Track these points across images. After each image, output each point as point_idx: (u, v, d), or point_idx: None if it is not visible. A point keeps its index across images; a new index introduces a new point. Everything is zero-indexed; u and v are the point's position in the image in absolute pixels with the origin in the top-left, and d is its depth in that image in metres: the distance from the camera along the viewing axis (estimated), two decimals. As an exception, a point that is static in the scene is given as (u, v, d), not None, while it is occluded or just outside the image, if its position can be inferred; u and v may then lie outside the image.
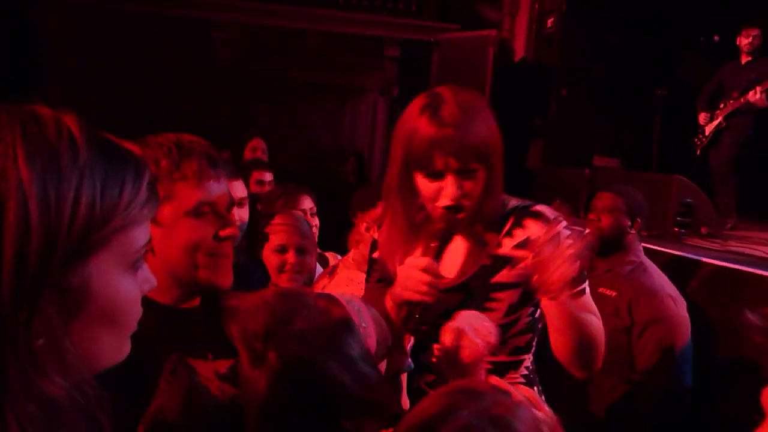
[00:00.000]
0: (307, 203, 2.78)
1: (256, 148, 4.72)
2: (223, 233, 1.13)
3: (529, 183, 5.81)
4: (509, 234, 1.39)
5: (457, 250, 1.42)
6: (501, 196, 1.40)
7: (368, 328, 1.17)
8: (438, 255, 1.33)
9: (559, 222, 1.24)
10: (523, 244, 1.33)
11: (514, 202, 1.43)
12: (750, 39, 4.65)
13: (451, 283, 1.39)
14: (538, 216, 1.39)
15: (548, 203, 4.90)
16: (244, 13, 6.68)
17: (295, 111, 7.09)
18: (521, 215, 1.40)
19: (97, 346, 0.66)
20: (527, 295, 1.37)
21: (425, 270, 1.29)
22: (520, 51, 6.95)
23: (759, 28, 4.67)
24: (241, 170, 3.88)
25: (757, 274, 2.72)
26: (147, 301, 1.04)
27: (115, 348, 0.69)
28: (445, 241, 1.35)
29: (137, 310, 0.72)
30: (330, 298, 1.02)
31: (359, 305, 1.22)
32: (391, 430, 0.90)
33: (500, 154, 1.36)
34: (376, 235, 1.62)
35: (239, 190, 2.53)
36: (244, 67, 6.86)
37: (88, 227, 0.60)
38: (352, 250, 1.91)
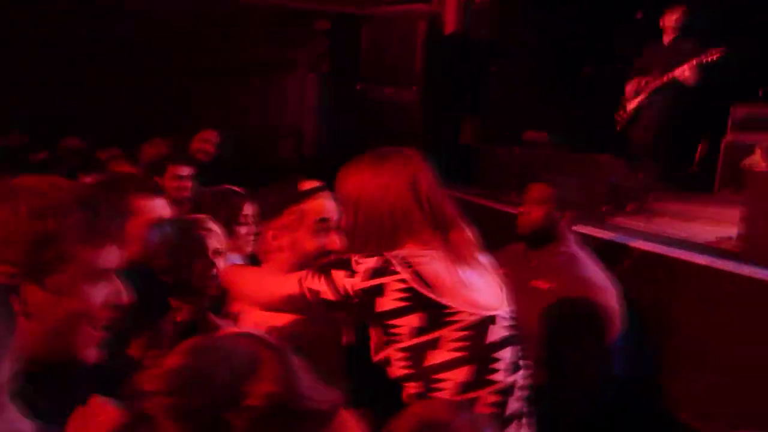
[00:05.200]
0: (250, 209, 2.64)
1: (207, 140, 4.38)
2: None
3: (464, 160, 5.81)
4: None
5: None
6: None
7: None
8: None
9: None
10: None
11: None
12: (672, 20, 4.76)
13: None
14: None
15: (483, 180, 4.84)
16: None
17: (220, 87, 6.75)
18: None
19: None
20: None
21: None
22: (450, 24, 6.85)
23: (680, 9, 4.77)
24: (155, 164, 3.64)
25: (682, 260, 2.79)
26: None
27: None
28: None
29: None
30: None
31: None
32: None
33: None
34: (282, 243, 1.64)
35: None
36: (162, 43, 6.44)
37: None
38: (264, 264, 1.78)
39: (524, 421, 1.49)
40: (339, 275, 1.41)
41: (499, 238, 2.94)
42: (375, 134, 6.18)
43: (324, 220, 1.68)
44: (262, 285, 1.58)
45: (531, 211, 2.63)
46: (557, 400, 2.31)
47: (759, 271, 2.48)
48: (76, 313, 0.95)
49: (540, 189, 2.65)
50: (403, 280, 1.36)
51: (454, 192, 5.51)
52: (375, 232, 1.47)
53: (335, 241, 1.70)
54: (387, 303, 1.37)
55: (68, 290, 0.93)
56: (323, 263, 1.49)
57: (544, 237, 2.62)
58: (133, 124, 5.32)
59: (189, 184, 3.61)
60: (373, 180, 1.49)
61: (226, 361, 0.79)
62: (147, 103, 6.04)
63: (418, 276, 1.37)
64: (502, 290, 1.52)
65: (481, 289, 1.44)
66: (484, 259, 1.55)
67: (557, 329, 2.44)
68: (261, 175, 2.69)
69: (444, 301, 1.37)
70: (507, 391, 1.43)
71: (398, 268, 1.37)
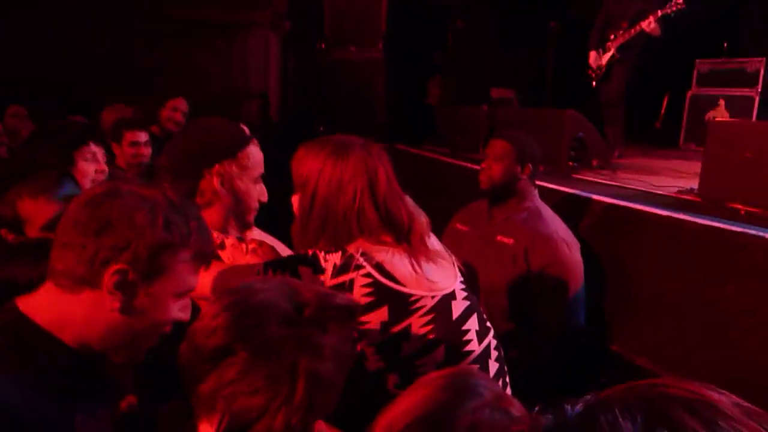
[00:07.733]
0: None
1: (177, 108, 4.21)
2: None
3: (430, 120, 5.75)
4: None
5: None
6: None
7: None
8: None
9: None
10: None
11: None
12: None
13: None
14: None
15: (451, 139, 4.77)
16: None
17: (180, 51, 6.52)
18: None
19: None
20: None
21: None
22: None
23: None
24: (113, 130, 3.51)
25: (644, 211, 2.81)
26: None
27: None
28: None
29: None
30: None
31: None
32: None
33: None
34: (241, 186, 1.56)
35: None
36: (120, 6, 6.17)
37: None
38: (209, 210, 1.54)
39: (506, 379, 1.52)
40: (306, 272, 1.35)
41: (468, 197, 2.93)
42: (339, 95, 6.07)
43: (262, 172, 1.61)
44: (214, 273, 1.42)
45: (491, 167, 2.61)
46: (524, 350, 2.34)
47: (717, 220, 2.51)
48: (159, 323, 1.01)
49: (499, 144, 2.63)
50: (368, 275, 1.34)
51: (421, 151, 5.46)
52: (330, 225, 1.43)
53: (265, 192, 1.63)
54: (356, 299, 1.33)
55: (160, 303, 0.99)
56: (286, 259, 1.42)
57: (506, 192, 2.61)
58: (93, 90, 5.13)
59: (147, 150, 3.50)
60: (334, 172, 1.42)
61: (266, 291, 1.01)
62: (106, 68, 5.82)
63: (380, 269, 1.35)
64: (455, 266, 1.51)
65: (436, 273, 1.43)
66: (438, 246, 1.52)
67: (522, 283, 2.46)
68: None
69: (406, 290, 1.36)
70: (484, 356, 1.45)
71: (362, 262, 1.35)
